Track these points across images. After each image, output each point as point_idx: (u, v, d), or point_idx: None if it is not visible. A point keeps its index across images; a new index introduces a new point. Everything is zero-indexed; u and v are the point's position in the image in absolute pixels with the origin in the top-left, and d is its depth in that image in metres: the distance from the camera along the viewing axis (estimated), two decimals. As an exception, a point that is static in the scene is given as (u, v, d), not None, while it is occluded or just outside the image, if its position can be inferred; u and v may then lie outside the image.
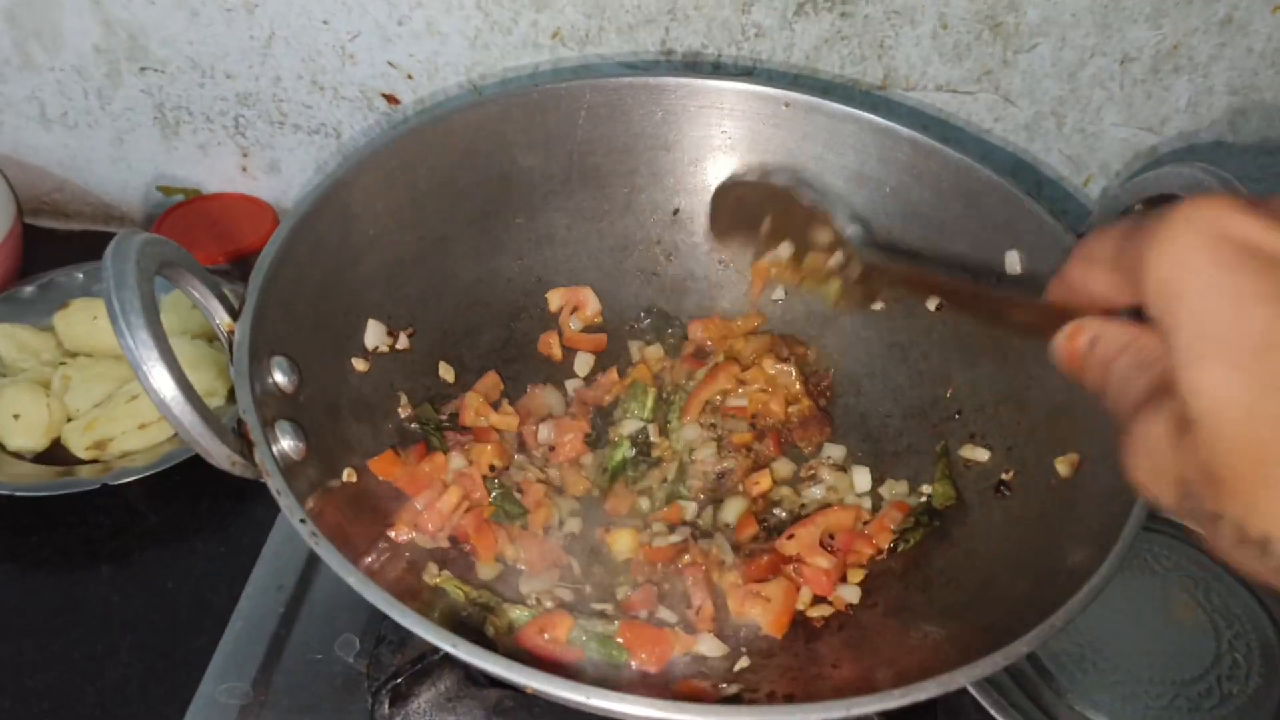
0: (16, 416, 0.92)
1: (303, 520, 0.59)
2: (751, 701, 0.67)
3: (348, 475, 0.74)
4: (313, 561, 0.85)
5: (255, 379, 0.65)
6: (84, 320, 0.99)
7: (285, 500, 0.59)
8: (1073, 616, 0.61)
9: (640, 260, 0.95)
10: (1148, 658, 0.81)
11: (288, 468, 0.64)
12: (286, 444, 0.66)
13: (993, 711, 0.73)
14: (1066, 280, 0.50)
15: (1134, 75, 0.99)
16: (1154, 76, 0.98)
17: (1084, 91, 1.00)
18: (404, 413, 0.83)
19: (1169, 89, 0.99)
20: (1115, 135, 1.03)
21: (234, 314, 0.67)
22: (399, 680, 0.72)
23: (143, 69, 1.08)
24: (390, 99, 1.08)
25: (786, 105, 0.88)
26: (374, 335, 0.81)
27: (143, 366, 0.56)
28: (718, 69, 1.01)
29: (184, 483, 0.90)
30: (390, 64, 1.05)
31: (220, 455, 0.59)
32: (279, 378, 0.69)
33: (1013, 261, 0.82)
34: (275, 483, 0.60)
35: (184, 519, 0.92)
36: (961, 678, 0.58)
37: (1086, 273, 0.48)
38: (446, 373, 0.86)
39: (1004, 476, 0.79)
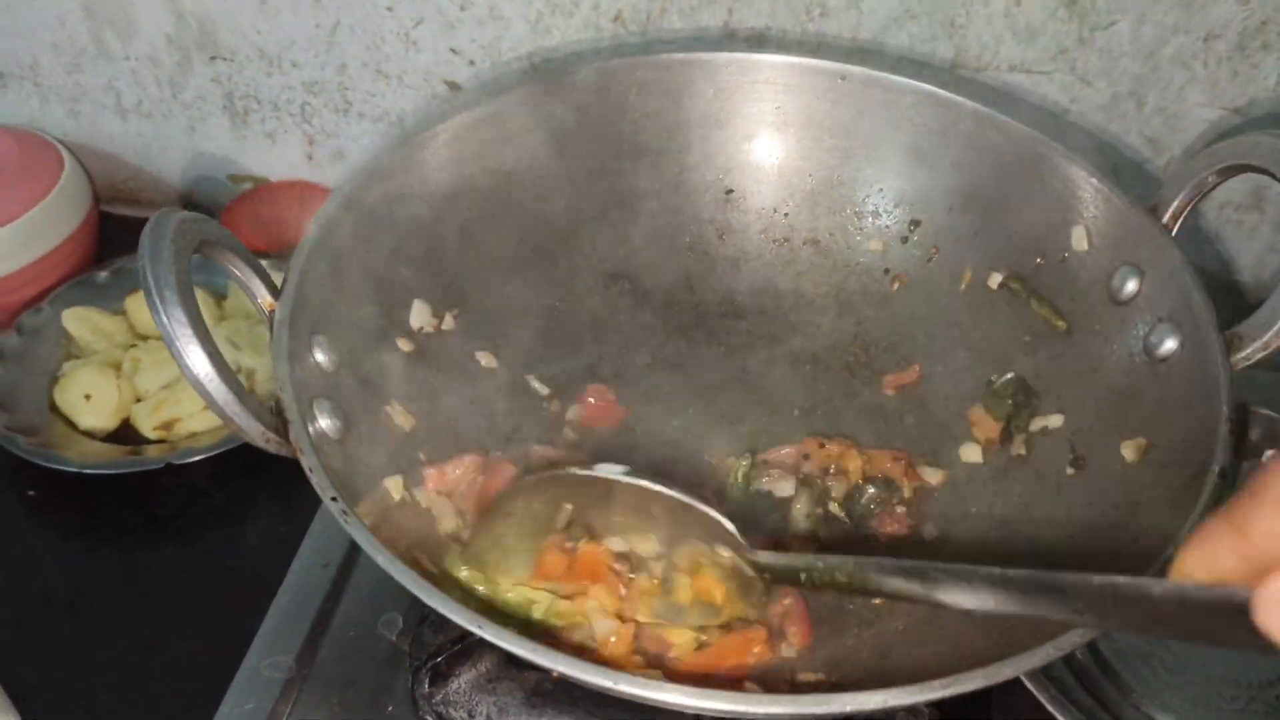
0: (88, 397, 0.95)
1: (334, 498, 0.59)
2: (793, 689, 0.66)
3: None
4: (359, 539, 0.86)
5: (295, 358, 0.65)
6: (154, 305, 1.02)
7: (317, 478, 0.59)
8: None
9: (692, 240, 0.93)
10: (1221, 657, 0.77)
11: (324, 445, 0.64)
12: (324, 423, 0.66)
13: (1051, 708, 0.70)
14: (1244, 526, 0.37)
15: (1219, 53, 0.93)
16: (1240, 54, 0.93)
17: (1165, 71, 0.95)
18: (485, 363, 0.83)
19: (1256, 67, 0.94)
20: (1199, 116, 0.98)
21: (276, 293, 0.67)
22: (439, 659, 0.72)
23: (212, 58, 1.10)
24: (452, 85, 1.08)
25: (843, 79, 0.86)
26: (419, 315, 0.80)
27: (177, 344, 0.56)
28: (783, 48, 0.99)
29: (247, 463, 0.91)
30: (453, 50, 1.05)
31: (254, 432, 0.60)
32: (320, 357, 0.69)
33: (1078, 237, 0.79)
34: (308, 460, 0.60)
35: (245, 498, 0.93)
36: (1009, 669, 0.56)
37: None
38: (487, 360, 0.85)
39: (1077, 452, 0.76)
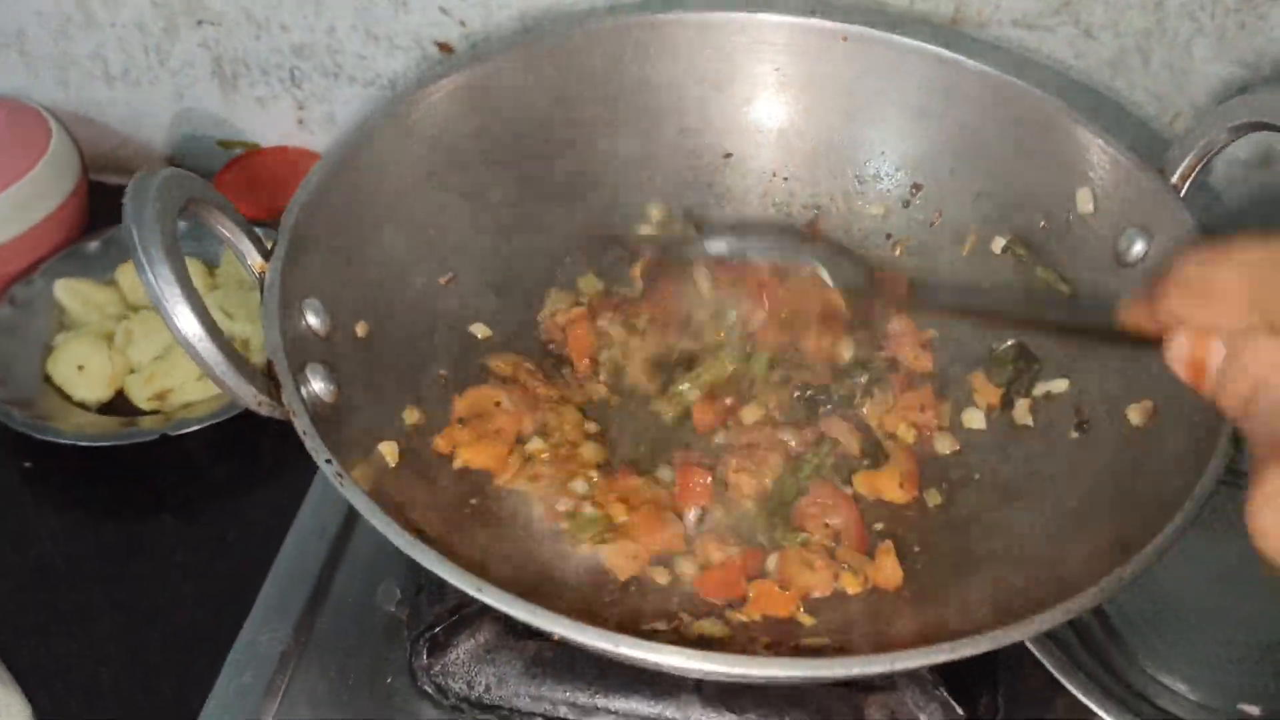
0: (81, 368, 0.94)
1: (328, 460, 0.58)
2: (798, 653, 0.65)
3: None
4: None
5: (287, 321, 0.64)
6: (146, 274, 1.01)
7: (311, 441, 0.58)
8: (1136, 573, 0.57)
9: (690, 205, 0.91)
10: (1230, 619, 0.76)
11: (318, 410, 0.63)
12: (317, 386, 0.65)
13: (1056, 673, 0.69)
14: (1162, 308, 0.46)
15: (1227, 4, 0.91)
16: (1248, 5, 0.91)
17: (1172, 24, 0.93)
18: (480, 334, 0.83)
19: (1265, 18, 0.92)
20: (1206, 71, 0.96)
21: (266, 255, 0.66)
22: (437, 630, 0.71)
23: (199, 23, 1.08)
24: (444, 47, 1.06)
25: (845, 39, 0.84)
26: (411, 280, 0.79)
27: (165, 304, 0.55)
28: (781, 8, 0.97)
29: (242, 433, 0.90)
30: (442, 10, 1.03)
31: (247, 395, 0.59)
32: (312, 320, 0.68)
33: (1084, 199, 0.78)
34: (301, 423, 0.59)
35: (245, 469, 0.92)
36: (1015, 633, 0.55)
37: (1191, 301, 0.44)
38: (481, 331, 0.84)
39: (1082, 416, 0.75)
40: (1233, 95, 0.96)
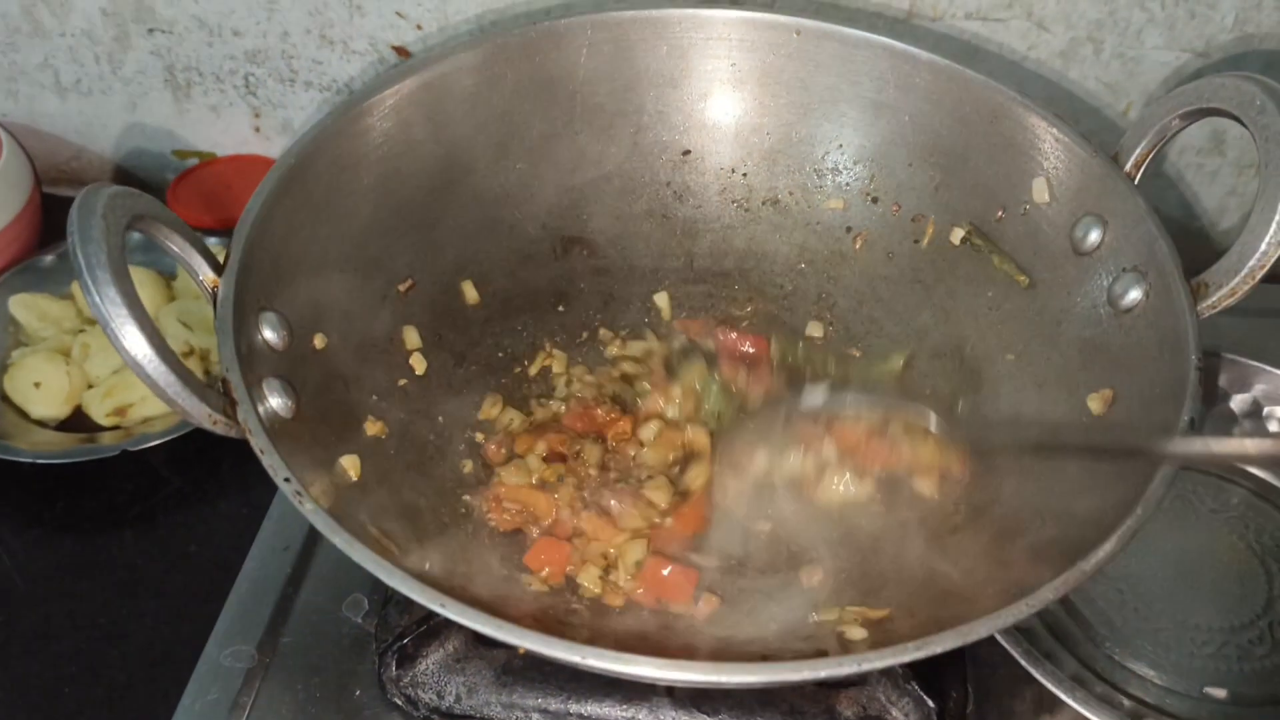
0: (38, 385, 0.93)
1: (287, 479, 0.57)
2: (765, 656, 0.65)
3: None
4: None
5: (242, 336, 0.63)
6: (101, 287, 0.99)
7: (268, 459, 0.58)
8: (1103, 563, 0.57)
9: (649, 203, 0.91)
10: (1193, 603, 0.77)
11: (276, 426, 0.62)
12: (275, 401, 0.64)
13: (1024, 663, 0.70)
14: None
15: (1176, -7, 0.93)
16: (1199, -6, 0.92)
17: (1122, 14, 0.94)
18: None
19: (1214, 7, 0.93)
20: (1157, 59, 0.97)
21: (219, 269, 0.65)
22: (405, 641, 0.70)
23: (150, 30, 1.06)
24: (400, 51, 1.05)
25: (798, 33, 0.84)
26: (369, 290, 0.78)
27: (111, 325, 0.54)
28: (736, 3, 0.97)
29: (205, 446, 0.89)
30: (398, 14, 1.02)
31: (200, 414, 0.58)
32: (268, 334, 0.67)
33: (1039, 189, 0.78)
34: (258, 441, 0.58)
35: (205, 482, 0.91)
36: (982, 628, 0.55)
37: None
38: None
39: None
40: (1184, 83, 0.97)
